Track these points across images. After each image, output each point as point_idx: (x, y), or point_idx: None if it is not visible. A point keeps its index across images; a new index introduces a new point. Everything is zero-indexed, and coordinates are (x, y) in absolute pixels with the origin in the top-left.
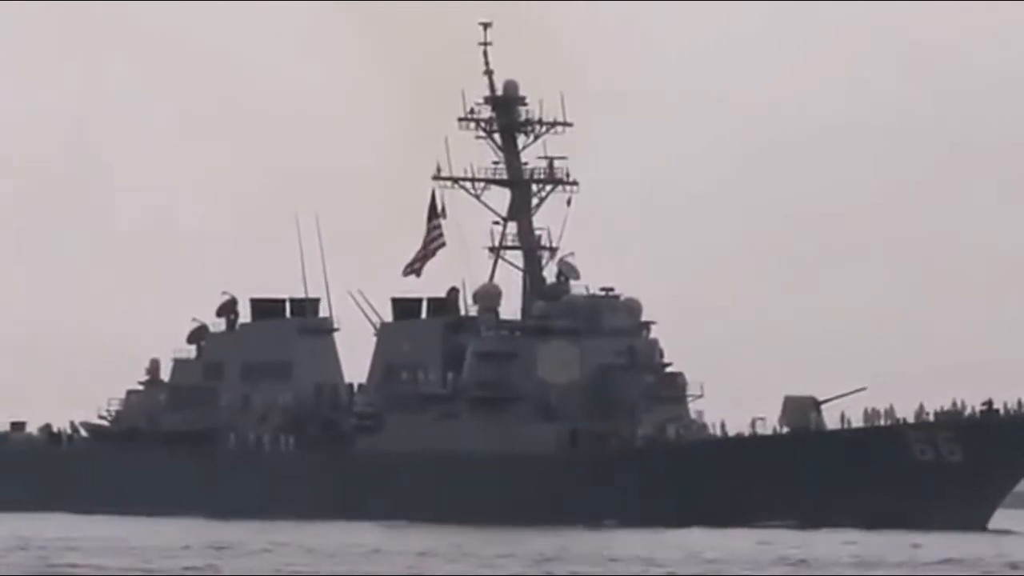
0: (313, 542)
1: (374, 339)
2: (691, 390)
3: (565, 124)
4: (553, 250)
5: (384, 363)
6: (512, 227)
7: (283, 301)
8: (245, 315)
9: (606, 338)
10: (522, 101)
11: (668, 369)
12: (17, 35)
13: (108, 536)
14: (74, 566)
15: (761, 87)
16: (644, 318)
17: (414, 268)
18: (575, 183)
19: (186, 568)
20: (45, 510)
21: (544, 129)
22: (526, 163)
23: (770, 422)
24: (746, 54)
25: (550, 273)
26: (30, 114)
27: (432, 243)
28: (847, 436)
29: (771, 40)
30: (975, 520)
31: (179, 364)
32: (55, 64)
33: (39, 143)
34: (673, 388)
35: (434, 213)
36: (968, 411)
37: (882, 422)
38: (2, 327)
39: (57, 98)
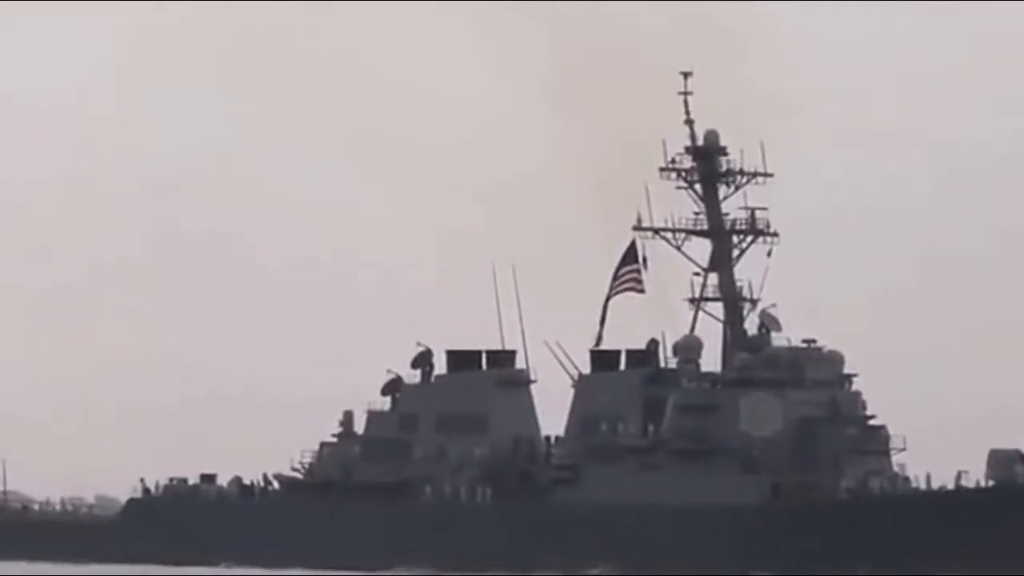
0: None
1: (571, 391)
2: (894, 443)
3: (766, 175)
4: (754, 301)
5: (582, 415)
6: (713, 278)
7: (479, 352)
8: (440, 366)
9: (808, 390)
10: (723, 151)
11: (871, 422)
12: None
13: None
14: None
15: (957, 126)
16: (846, 370)
17: (606, 300)
18: (775, 234)
19: None
20: (237, 562)
21: (744, 179)
22: (727, 213)
23: (974, 475)
24: (940, 94)
25: (751, 325)
26: (191, 157)
27: (627, 284)
28: None
29: (966, 79)
30: None
31: (373, 416)
32: (227, 103)
33: (214, 190)
34: (876, 441)
35: (633, 259)
36: None
37: None
38: (191, 379)
39: (220, 142)
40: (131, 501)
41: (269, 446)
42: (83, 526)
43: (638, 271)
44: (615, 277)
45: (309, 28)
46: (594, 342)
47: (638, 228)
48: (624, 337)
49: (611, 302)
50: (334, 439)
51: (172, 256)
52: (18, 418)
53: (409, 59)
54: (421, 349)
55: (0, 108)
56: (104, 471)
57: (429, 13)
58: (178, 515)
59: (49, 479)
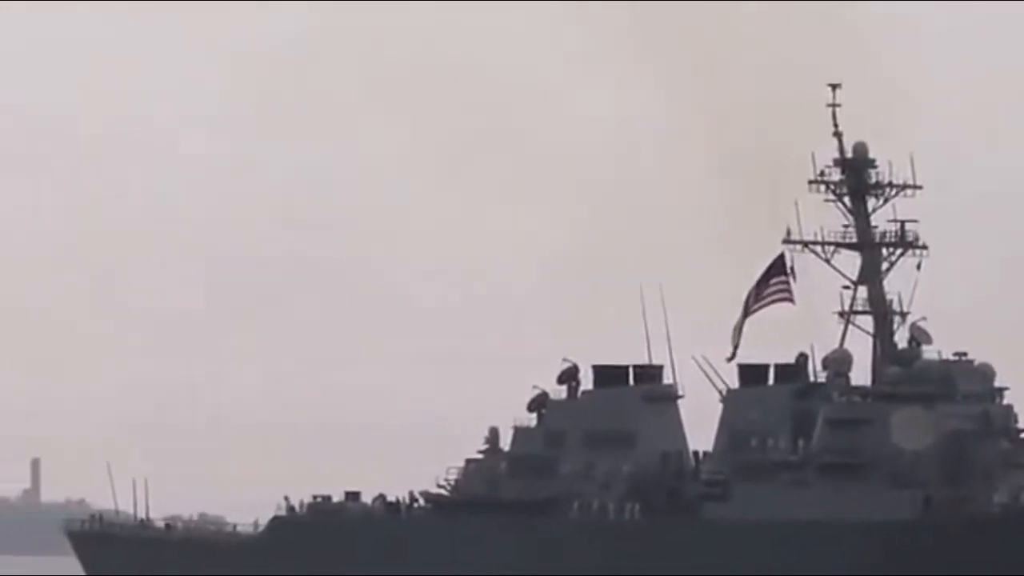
0: None
1: (719, 406)
2: None
3: (915, 187)
4: (904, 314)
5: (731, 430)
6: (862, 291)
7: (626, 368)
8: (587, 382)
9: (960, 404)
10: (872, 163)
11: (1023, 435)
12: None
13: None
14: None
15: None
16: (998, 383)
17: (749, 313)
18: (925, 246)
19: None
20: None
21: (894, 192)
22: (875, 226)
23: None
24: None
25: (901, 338)
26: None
27: (777, 295)
28: None
29: None
30: None
31: (520, 432)
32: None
33: (344, 214)
34: None
35: (781, 271)
36: None
37: None
38: (335, 398)
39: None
40: (275, 519)
41: (416, 465)
42: (226, 544)
43: (787, 283)
44: (760, 289)
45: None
46: (729, 355)
47: (788, 241)
48: (771, 351)
49: (757, 315)
50: (480, 455)
51: (310, 282)
52: (160, 437)
53: (551, 72)
54: (567, 365)
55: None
56: (246, 489)
57: (570, 22)
58: (323, 533)
59: (190, 498)
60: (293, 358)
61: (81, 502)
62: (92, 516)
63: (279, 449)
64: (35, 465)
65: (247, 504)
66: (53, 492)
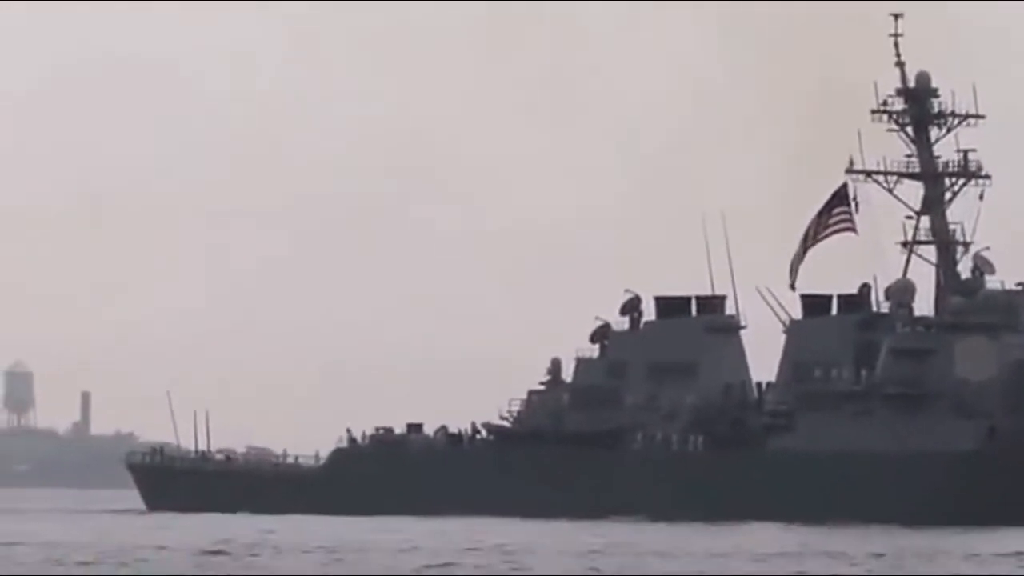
0: (725, 545)
1: (782, 337)
2: None
3: (977, 116)
4: (967, 244)
5: (794, 361)
6: (925, 221)
7: (689, 299)
8: (650, 313)
9: (1023, 333)
10: (934, 93)
11: None
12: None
13: (526, 540)
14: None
15: None
16: None
17: (811, 242)
18: (988, 176)
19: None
20: (445, 512)
21: (956, 122)
22: (939, 156)
23: None
24: None
25: (964, 268)
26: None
27: (840, 224)
28: None
29: None
30: None
31: (582, 363)
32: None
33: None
34: None
35: (844, 201)
36: None
37: None
38: (399, 330)
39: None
40: (337, 451)
41: (478, 396)
42: (288, 476)
43: (850, 213)
44: (822, 219)
45: None
46: (789, 283)
47: (851, 171)
48: (834, 282)
49: (820, 246)
50: (542, 387)
51: (368, 216)
52: (221, 370)
53: (617, 9)
54: (630, 296)
55: None
56: (306, 422)
57: None
58: (385, 465)
59: (250, 431)
60: (357, 294)
61: (131, 435)
62: (153, 449)
63: (340, 382)
64: (85, 398)
65: (307, 438)
66: (102, 425)
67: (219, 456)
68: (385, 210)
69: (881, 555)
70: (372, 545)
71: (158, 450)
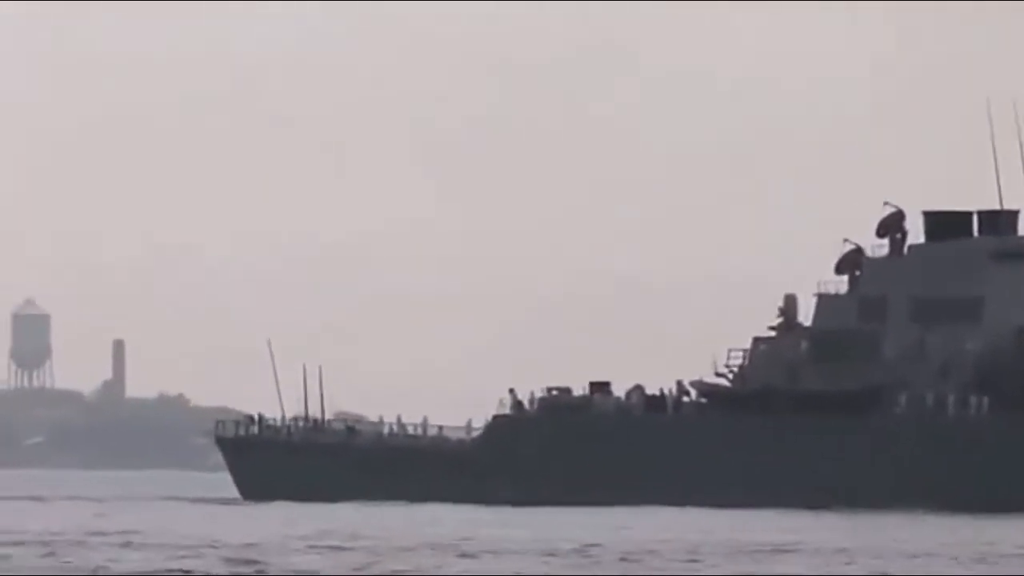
0: None
1: None
2: None
3: None
4: None
5: None
6: None
7: (969, 215)
8: (916, 234)
9: None
10: None
11: None
12: None
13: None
14: None
15: None
16: None
17: None
18: None
19: None
20: (641, 499)
21: None
22: None
23: None
24: None
25: None
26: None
27: None
28: None
29: None
30: None
31: (825, 301)
32: None
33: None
34: None
35: None
36: None
37: None
38: (589, 262)
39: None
40: (496, 419)
41: (683, 345)
42: (432, 452)
43: None
44: None
45: None
46: None
47: None
48: None
49: None
50: (772, 333)
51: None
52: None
53: None
54: (890, 210)
55: None
56: (448, 383)
57: None
58: (559, 435)
59: (378, 393)
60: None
61: (180, 397)
62: (247, 417)
63: (494, 328)
64: (118, 349)
65: (451, 402)
66: (141, 384)
67: (337, 426)
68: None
69: None
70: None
71: (254, 420)
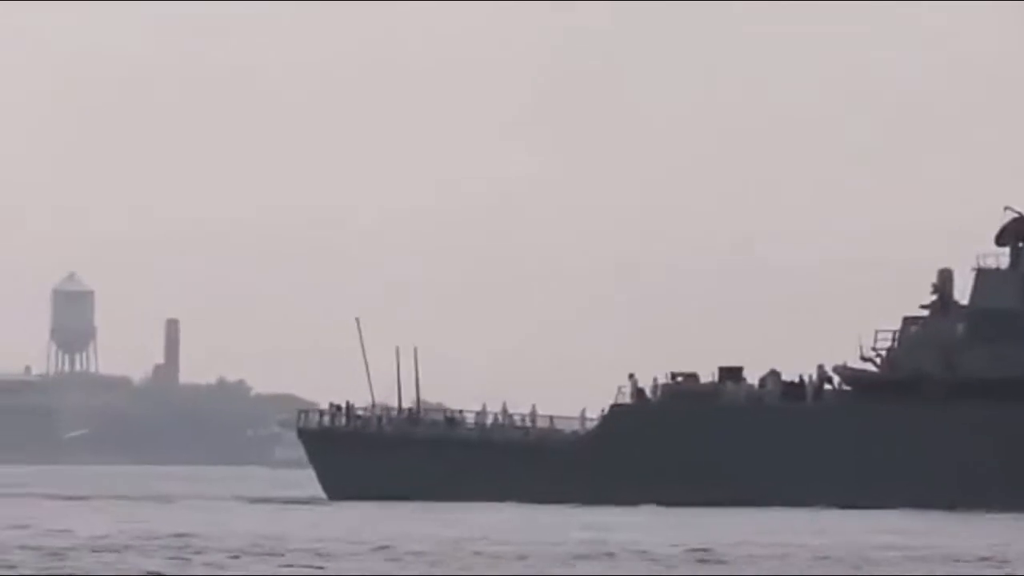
0: None
1: None
2: None
3: None
4: None
5: None
6: None
7: None
8: None
9: None
10: None
11: None
12: None
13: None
14: None
15: None
16: None
17: None
18: None
19: None
20: (778, 499)
21: None
22: None
23: None
24: None
25: None
26: None
27: None
28: None
29: None
30: None
31: (984, 276)
32: None
33: None
34: None
35: None
36: None
37: None
38: (716, 234)
39: None
40: (615, 408)
41: (825, 326)
42: (544, 445)
43: None
44: None
45: None
46: None
47: None
48: None
49: None
50: (925, 312)
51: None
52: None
53: None
54: None
55: None
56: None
57: None
58: (685, 426)
59: (472, 380)
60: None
61: (241, 384)
62: (333, 407)
63: (604, 302)
64: (171, 329)
65: (562, 390)
66: (197, 369)
67: (436, 415)
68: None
69: None
70: None
71: (340, 409)
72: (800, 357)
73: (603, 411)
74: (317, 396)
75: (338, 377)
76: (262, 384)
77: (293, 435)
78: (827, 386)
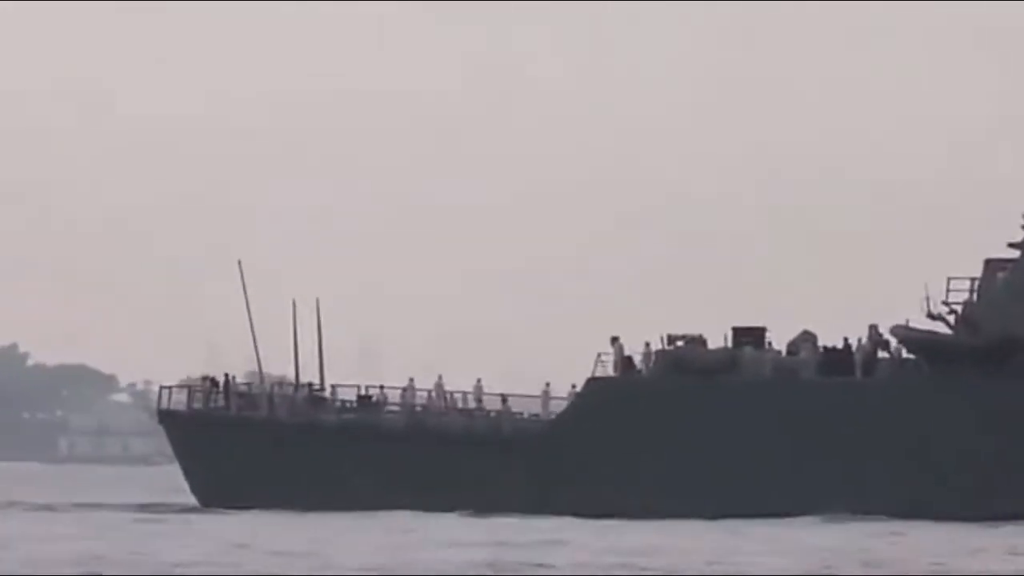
0: None
1: None
2: None
3: None
4: None
5: None
6: None
7: None
8: None
9: None
10: None
11: None
12: None
13: None
14: None
15: None
16: None
17: None
18: None
19: None
20: (803, 510)
21: None
22: None
23: None
24: None
25: None
26: None
27: None
28: None
29: None
30: None
31: None
32: None
33: None
34: None
35: None
36: None
37: None
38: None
39: None
40: (591, 384)
41: (878, 273)
42: (489, 437)
43: None
44: None
45: None
46: None
47: None
48: None
49: None
50: (1014, 253)
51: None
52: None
53: None
54: None
55: None
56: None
57: None
58: (689, 410)
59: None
60: None
61: (13, 348)
62: (207, 380)
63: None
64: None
65: (511, 360)
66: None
67: (348, 396)
68: None
69: None
70: None
71: (218, 384)
72: (843, 317)
73: (574, 387)
74: (125, 369)
75: (172, 343)
76: (43, 352)
77: (83, 421)
78: (882, 353)
